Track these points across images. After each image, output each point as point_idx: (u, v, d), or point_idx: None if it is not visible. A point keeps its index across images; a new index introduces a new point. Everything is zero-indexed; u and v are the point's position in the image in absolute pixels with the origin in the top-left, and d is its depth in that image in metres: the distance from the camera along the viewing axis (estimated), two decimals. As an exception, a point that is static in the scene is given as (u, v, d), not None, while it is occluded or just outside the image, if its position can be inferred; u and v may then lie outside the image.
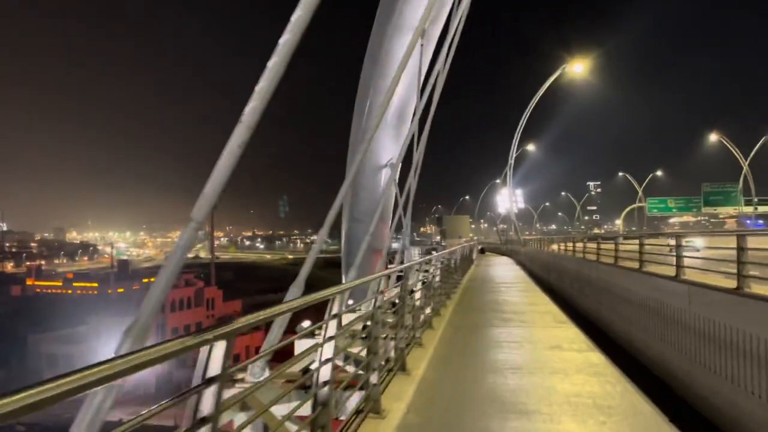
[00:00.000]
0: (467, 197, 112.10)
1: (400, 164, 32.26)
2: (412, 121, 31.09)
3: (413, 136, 25.56)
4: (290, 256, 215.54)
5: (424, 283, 13.01)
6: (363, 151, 15.57)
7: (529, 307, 16.67)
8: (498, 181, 78.95)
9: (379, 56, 28.86)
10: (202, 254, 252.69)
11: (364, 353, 7.08)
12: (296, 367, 7.62)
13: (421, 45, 28.44)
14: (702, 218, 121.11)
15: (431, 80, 29.06)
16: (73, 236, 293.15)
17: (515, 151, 45.42)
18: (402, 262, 33.15)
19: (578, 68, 38.49)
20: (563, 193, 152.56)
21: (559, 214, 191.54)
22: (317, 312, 5.36)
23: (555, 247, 24.55)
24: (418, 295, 11.70)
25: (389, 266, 36.22)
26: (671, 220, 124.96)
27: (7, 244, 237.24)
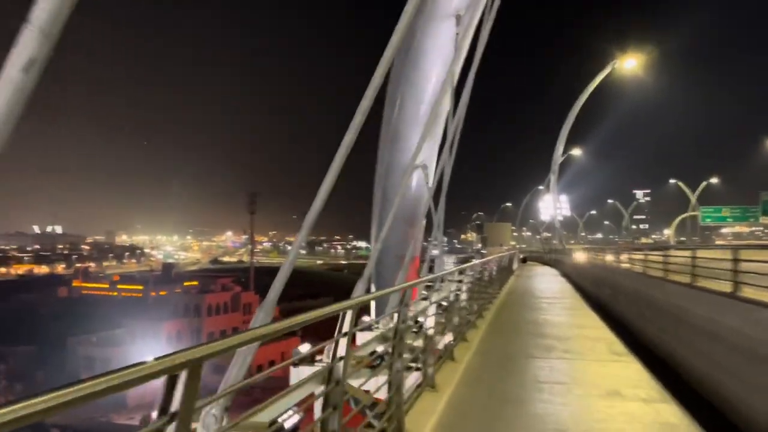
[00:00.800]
0: (509, 204, 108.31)
1: (436, 166, 29.72)
2: (449, 118, 28.59)
3: (445, 131, 22.85)
4: (328, 261, 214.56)
5: (441, 305, 10.42)
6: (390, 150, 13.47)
7: (576, 330, 13.84)
8: (541, 187, 75.37)
9: (411, 46, 26.41)
10: (245, 258, 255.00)
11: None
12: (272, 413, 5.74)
13: (456, 34, 25.99)
14: (756, 229, 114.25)
15: (469, 74, 26.41)
16: (123, 239, 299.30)
17: (560, 155, 42.21)
18: (432, 271, 30.40)
19: (630, 64, 35.03)
20: (610, 201, 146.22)
21: (606, 222, 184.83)
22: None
23: (607, 257, 21.54)
24: (430, 321, 9.13)
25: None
26: (723, 230, 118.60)
27: (60, 246, 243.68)
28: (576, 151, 61.90)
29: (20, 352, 77.79)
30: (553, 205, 40.34)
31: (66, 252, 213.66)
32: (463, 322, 12.27)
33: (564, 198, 59.09)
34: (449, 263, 39.71)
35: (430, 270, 33.10)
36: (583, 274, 26.78)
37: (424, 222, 30.03)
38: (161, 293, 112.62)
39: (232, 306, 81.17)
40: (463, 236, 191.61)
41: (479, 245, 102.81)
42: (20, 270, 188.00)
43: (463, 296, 12.98)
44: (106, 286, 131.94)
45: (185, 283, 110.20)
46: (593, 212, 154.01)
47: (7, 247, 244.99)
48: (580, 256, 30.38)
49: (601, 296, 19.31)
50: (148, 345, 72.88)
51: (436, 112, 26.57)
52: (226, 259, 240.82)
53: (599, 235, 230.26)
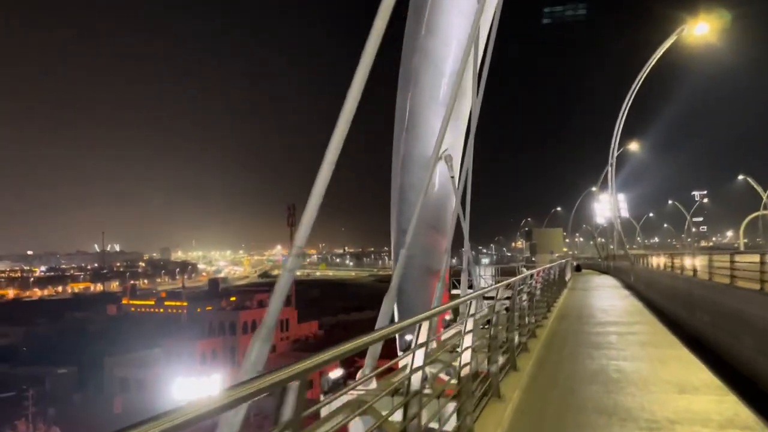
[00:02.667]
0: (559, 208, 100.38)
1: (462, 156, 24.03)
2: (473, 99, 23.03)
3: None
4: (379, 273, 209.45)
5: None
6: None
7: (677, 399, 7.93)
8: (594, 189, 68.05)
9: (424, 8, 20.90)
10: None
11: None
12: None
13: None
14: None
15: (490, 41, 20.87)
16: (178, 255, 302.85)
17: (616, 144, 35.70)
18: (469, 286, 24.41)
19: (700, 29, 28.21)
20: (670, 202, 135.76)
21: (665, 225, 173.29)
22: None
23: (695, 263, 15.29)
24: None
25: (452, 293, 27.81)
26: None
27: (118, 264, 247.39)
28: (632, 146, 54.90)
29: (60, 374, 75.30)
30: (612, 203, 33.61)
31: (121, 270, 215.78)
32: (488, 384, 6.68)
33: (622, 197, 52.05)
34: (487, 276, 33.96)
35: (470, 287, 27.33)
36: (657, 286, 20.55)
37: (452, 226, 24.45)
38: (207, 308, 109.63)
39: (269, 322, 76.63)
40: (513, 244, 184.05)
41: (528, 254, 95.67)
42: (77, 288, 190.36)
43: (495, 331, 7.59)
44: (152, 303, 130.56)
45: (232, 299, 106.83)
46: (651, 214, 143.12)
47: (68, 266, 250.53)
48: (651, 262, 24.05)
49: (699, 324, 13.17)
50: (184, 365, 69.30)
51: (460, 86, 20.79)
52: (275, 272, 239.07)
53: (656, 239, 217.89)
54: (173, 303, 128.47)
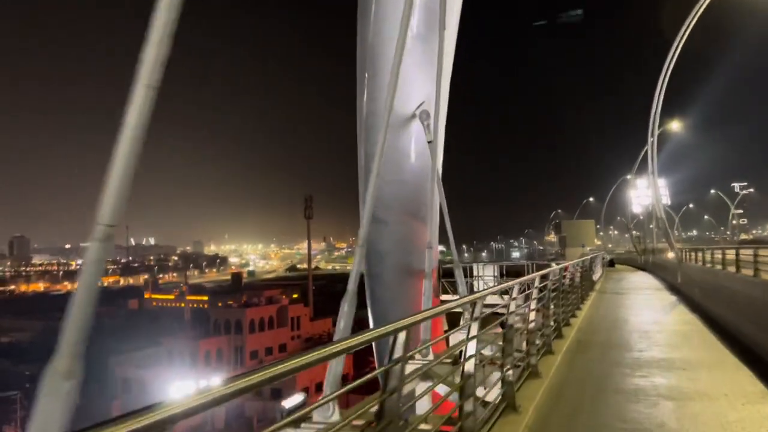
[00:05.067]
0: (591, 199, 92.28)
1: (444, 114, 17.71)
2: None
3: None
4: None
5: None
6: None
7: None
8: (629, 176, 60.45)
9: None
10: (322, 265, 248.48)
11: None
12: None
13: None
14: None
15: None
16: (211, 249, 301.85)
17: (657, 115, 28.67)
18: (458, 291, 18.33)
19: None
20: (713, 191, 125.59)
21: (705, 217, 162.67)
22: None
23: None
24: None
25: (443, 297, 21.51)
26: None
27: (151, 257, 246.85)
28: (673, 125, 47.37)
29: (63, 372, 71.30)
30: (652, 184, 26.62)
31: (152, 263, 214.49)
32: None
33: (662, 182, 44.66)
34: (488, 277, 27.46)
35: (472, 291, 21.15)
36: (720, 295, 13.99)
37: (437, 210, 18.18)
38: (229, 302, 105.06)
39: (278, 320, 71.21)
40: (547, 237, 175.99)
41: (558, 248, 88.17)
42: (106, 282, 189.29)
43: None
44: (172, 297, 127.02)
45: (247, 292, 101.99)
46: (691, 205, 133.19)
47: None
48: (709, 258, 17.24)
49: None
50: (187, 365, 64.58)
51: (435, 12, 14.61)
52: (303, 266, 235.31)
53: (694, 232, 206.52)
54: (195, 297, 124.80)
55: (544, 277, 11.46)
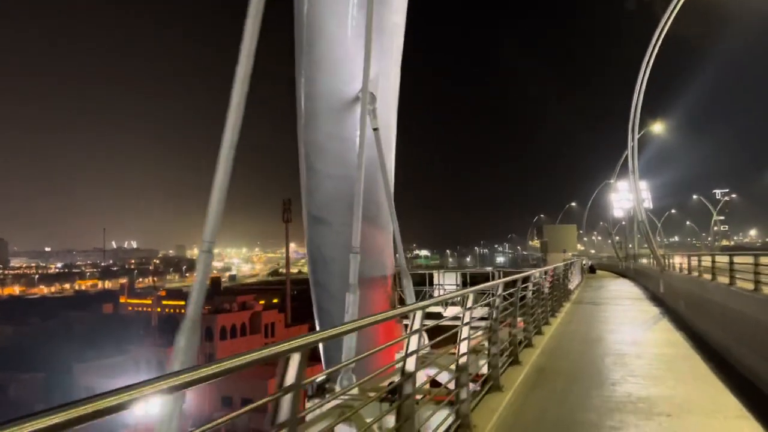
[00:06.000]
0: (574, 204, 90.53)
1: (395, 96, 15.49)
2: None
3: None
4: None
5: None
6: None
7: None
8: (612, 181, 58.66)
9: None
10: (305, 270, 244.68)
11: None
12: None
13: None
14: None
15: None
16: (194, 253, 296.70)
17: (638, 113, 26.60)
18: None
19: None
20: (695, 197, 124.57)
21: (687, 223, 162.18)
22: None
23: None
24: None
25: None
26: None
27: (132, 261, 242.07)
28: (655, 127, 45.53)
29: (25, 380, 68.11)
30: (633, 184, 24.44)
31: (131, 267, 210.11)
32: None
33: (644, 185, 42.75)
34: (450, 285, 25.03)
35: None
36: (710, 310, 11.85)
37: (392, 210, 16.02)
38: (206, 308, 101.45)
39: (250, 327, 68.51)
40: (531, 242, 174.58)
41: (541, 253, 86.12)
42: (84, 285, 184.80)
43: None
44: (149, 302, 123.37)
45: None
46: (673, 211, 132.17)
47: (83, 263, 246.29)
48: (695, 265, 15.08)
49: None
50: (154, 375, 61.53)
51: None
52: (283, 270, 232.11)
53: (676, 238, 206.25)
54: (172, 302, 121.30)
55: (509, 285, 9.35)
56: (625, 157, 41.46)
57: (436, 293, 22.05)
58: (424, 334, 14.13)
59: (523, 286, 11.18)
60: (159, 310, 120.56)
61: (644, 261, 25.67)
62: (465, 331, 6.64)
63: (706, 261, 13.54)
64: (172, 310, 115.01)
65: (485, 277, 23.36)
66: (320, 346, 16.75)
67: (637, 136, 30.07)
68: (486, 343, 8.16)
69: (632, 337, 12.81)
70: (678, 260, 19.17)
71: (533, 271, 13.02)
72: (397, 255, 15.57)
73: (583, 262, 48.37)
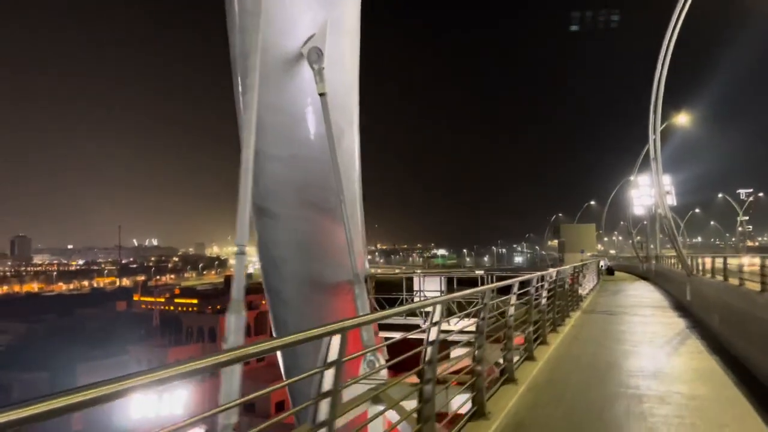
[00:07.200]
0: (593, 202, 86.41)
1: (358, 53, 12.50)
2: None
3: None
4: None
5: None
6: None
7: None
8: (632, 178, 54.98)
9: None
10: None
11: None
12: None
13: None
14: None
15: None
16: (213, 251, 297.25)
17: (660, 98, 23.35)
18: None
19: None
20: (720, 195, 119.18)
21: (712, 223, 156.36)
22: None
23: None
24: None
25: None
26: None
27: (152, 259, 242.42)
28: (680, 118, 41.91)
29: (27, 380, 66.51)
30: (655, 180, 20.91)
31: (150, 265, 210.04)
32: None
33: (668, 179, 39.27)
34: (430, 292, 21.80)
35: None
36: (758, 327, 8.79)
37: (358, 198, 13.10)
38: (217, 307, 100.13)
39: (255, 328, 66.01)
40: (549, 242, 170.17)
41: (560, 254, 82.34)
42: (102, 283, 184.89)
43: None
44: (162, 300, 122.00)
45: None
46: (697, 210, 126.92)
47: (104, 260, 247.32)
48: (733, 268, 11.82)
49: None
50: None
51: None
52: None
53: (699, 239, 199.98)
54: (184, 300, 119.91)
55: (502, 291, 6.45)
56: (646, 151, 38.00)
57: (416, 301, 19.00)
58: (378, 355, 11.10)
59: (521, 291, 8.36)
60: (171, 308, 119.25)
61: (669, 261, 22.37)
62: (429, 352, 4.09)
63: (751, 266, 10.40)
64: (182, 309, 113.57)
65: (474, 282, 20.15)
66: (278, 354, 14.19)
67: (659, 119, 26.75)
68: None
69: (654, 363, 9.72)
70: (708, 262, 15.96)
71: (527, 276, 9.99)
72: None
73: (601, 263, 44.95)
